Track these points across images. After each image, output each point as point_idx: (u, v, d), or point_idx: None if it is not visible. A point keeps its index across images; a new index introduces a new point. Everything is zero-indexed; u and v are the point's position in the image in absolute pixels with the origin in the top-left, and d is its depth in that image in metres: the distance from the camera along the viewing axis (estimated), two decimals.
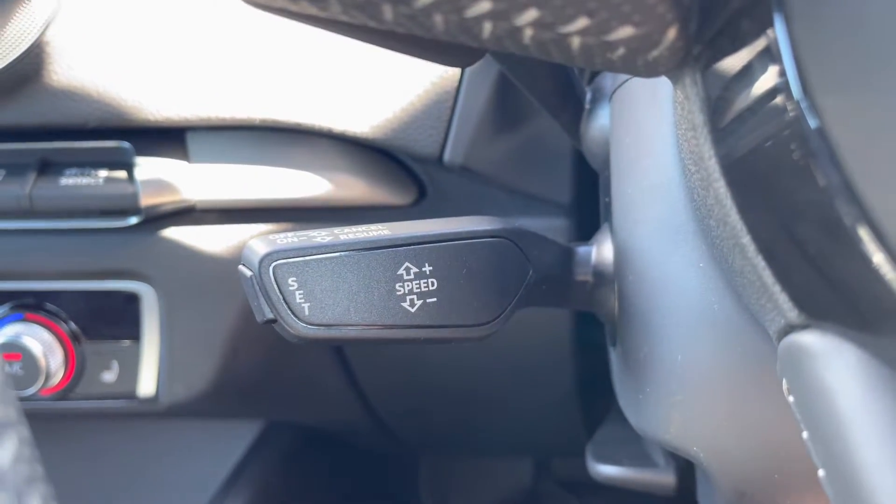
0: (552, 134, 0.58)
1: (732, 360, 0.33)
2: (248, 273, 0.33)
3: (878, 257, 0.18)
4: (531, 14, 0.21)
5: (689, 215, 0.33)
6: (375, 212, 0.59)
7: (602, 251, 0.42)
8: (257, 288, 0.33)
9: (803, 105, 0.19)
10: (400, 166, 0.60)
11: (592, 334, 0.63)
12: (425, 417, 0.82)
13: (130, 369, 0.63)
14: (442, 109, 0.56)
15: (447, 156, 0.56)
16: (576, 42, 0.23)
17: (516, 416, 0.80)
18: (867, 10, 0.18)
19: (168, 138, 0.59)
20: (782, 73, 0.20)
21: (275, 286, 0.33)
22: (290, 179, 0.58)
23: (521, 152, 0.59)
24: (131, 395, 0.64)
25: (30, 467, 0.15)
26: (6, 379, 0.20)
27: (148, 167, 0.58)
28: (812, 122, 0.19)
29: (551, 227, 0.59)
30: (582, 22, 0.22)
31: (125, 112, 0.57)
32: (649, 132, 0.36)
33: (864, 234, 0.18)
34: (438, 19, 0.22)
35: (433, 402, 0.78)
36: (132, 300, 0.62)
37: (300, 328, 0.33)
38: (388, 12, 0.22)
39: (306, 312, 0.33)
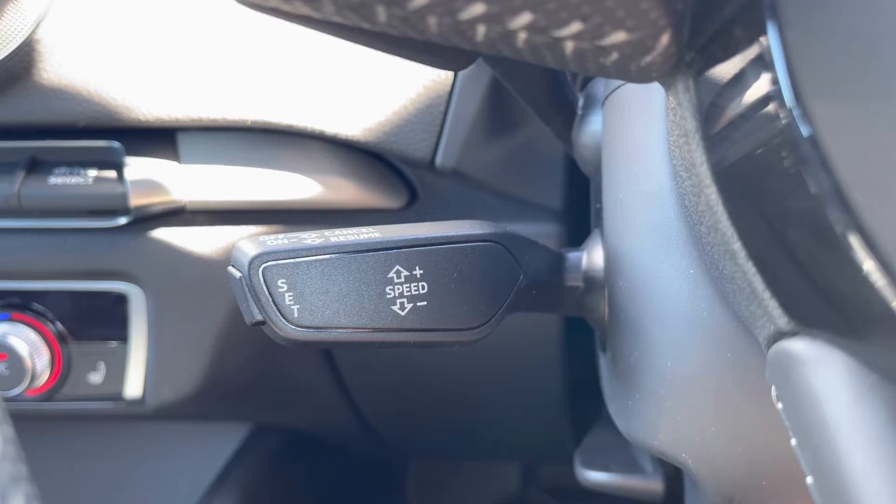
0: (544, 139, 0.58)
1: (722, 366, 0.33)
2: (238, 274, 0.33)
3: (868, 264, 0.18)
4: (525, 18, 0.21)
5: (680, 221, 0.33)
6: (366, 215, 0.59)
7: (593, 257, 0.42)
8: (246, 289, 0.33)
9: (795, 113, 0.19)
10: (391, 170, 0.60)
11: (581, 340, 0.63)
12: (413, 421, 0.82)
13: (117, 371, 0.63)
14: (434, 113, 0.56)
15: (439, 159, 0.56)
16: (569, 46, 0.23)
17: (505, 421, 0.80)
18: (859, 18, 0.18)
19: (158, 138, 0.59)
20: (775, 81, 0.20)
21: (264, 288, 0.32)
22: (281, 181, 0.58)
23: (513, 157, 0.59)
24: (118, 397, 0.63)
25: (14, 466, 0.15)
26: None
27: (138, 167, 0.57)
28: (804, 130, 0.19)
29: (542, 232, 0.59)
30: (575, 26, 0.22)
31: (116, 111, 0.57)
32: (641, 138, 0.36)
33: (854, 241, 0.18)
34: (432, 21, 0.22)
35: (421, 405, 0.78)
36: (120, 301, 0.61)
37: (289, 330, 0.33)
38: (381, 14, 0.22)
39: (295, 315, 0.33)
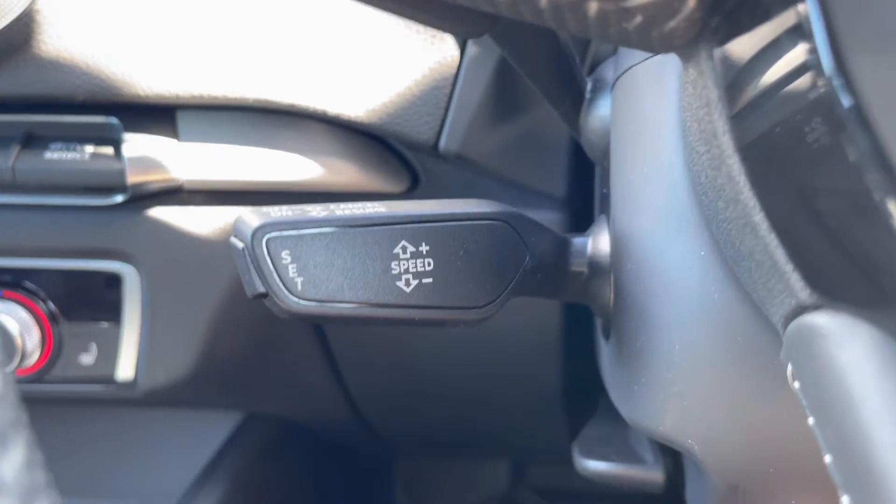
0: (549, 126, 0.58)
1: (731, 350, 0.33)
2: (240, 245, 0.32)
3: None
4: None
5: (691, 203, 0.33)
6: (367, 199, 0.58)
7: (598, 242, 0.42)
8: (249, 260, 0.32)
9: (835, 81, 0.19)
10: (394, 154, 0.60)
11: (578, 337, 0.62)
12: (407, 413, 0.81)
13: (109, 352, 0.62)
14: (439, 96, 0.55)
15: (443, 143, 0.55)
16: (593, 7, 0.22)
17: (500, 416, 0.79)
18: None
19: (157, 116, 0.58)
20: (812, 49, 0.19)
21: (267, 259, 0.32)
22: (281, 162, 0.57)
23: (518, 143, 0.58)
24: (109, 380, 0.62)
25: (14, 410, 0.14)
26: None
27: (136, 144, 0.57)
28: (845, 99, 0.18)
29: (545, 220, 0.58)
30: None
31: (115, 86, 0.56)
32: (652, 119, 0.36)
33: (894, 207, 0.18)
34: None
35: (416, 397, 0.77)
36: (114, 281, 0.60)
37: (292, 303, 0.32)
38: None
39: (299, 287, 0.32)
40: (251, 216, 0.33)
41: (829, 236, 0.21)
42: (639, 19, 0.23)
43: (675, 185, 0.34)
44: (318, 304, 0.32)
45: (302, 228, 0.32)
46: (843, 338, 0.21)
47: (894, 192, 0.18)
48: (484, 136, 0.56)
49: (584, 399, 0.71)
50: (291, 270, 0.32)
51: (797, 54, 0.20)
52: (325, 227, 0.33)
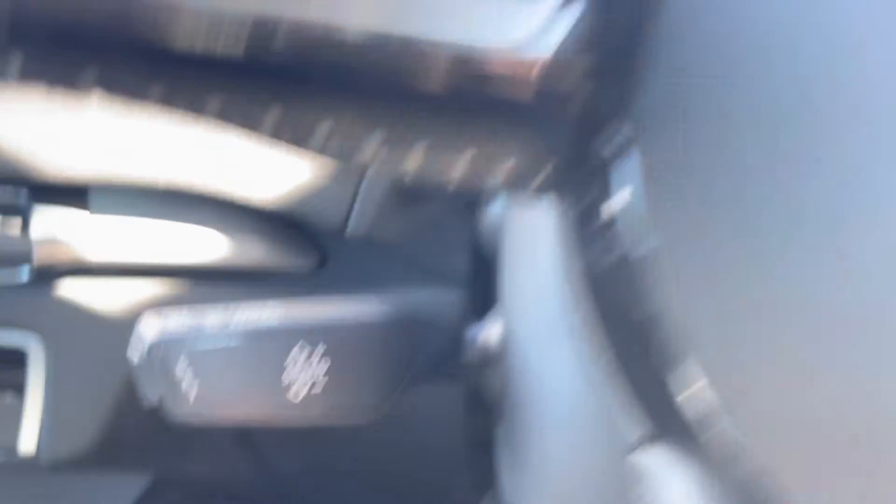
0: (455, 209, 0.60)
1: (607, 453, 0.35)
2: (138, 358, 0.33)
3: (698, 385, 0.20)
4: (417, 156, 0.23)
5: (570, 314, 0.35)
6: (274, 277, 0.59)
7: (491, 334, 0.44)
8: (145, 373, 0.33)
9: (638, 230, 0.22)
10: (302, 233, 0.61)
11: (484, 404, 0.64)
12: (320, 475, 0.81)
13: (11, 425, 0.61)
14: (348, 182, 0.57)
15: (351, 227, 0.57)
16: (456, 173, 0.25)
17: (410, 482, 0.80)
18: (709, 174, 0.21)
19: (68, 191, 0.58)
20: (626, 208, 0.22)
21: (162, 373, 0.33)
22: (190, 240, 0.58)
23: (424, 225, 0.60)
24: (11, 452, 0.61)
25: None
26: None
27: (44, 219, 0.56)
28: (644, 249, 0.21)
29: (448, 300, 0.60)
30: (468, 154, 0.24)
31: (23, 168, 0.55)
32: (539, 229, 0.38)
33: (686, 361, 0.21)
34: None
35: (329, 459, 0.77)
36: (17, 354, 0.60)
37: (185, 413, 0.33)
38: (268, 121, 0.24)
39: (192, 400, 0.33)
40: (148, 328, 0.34)
41: (651, 376, 0.23)
42: (499, 180, 0.26)
43: (556, 297, 0.36)
44: (212, 413, 0.34)
45: (197, 343, 0.33)
46: (665, 477, 0.24)
47: (681, 336, 0.21)
48: (391, 219, 0.58)
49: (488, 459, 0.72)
50: (186, 384, 0.33)
51: (618, 207, 0.23)
52: (221, 338, 0.34)
